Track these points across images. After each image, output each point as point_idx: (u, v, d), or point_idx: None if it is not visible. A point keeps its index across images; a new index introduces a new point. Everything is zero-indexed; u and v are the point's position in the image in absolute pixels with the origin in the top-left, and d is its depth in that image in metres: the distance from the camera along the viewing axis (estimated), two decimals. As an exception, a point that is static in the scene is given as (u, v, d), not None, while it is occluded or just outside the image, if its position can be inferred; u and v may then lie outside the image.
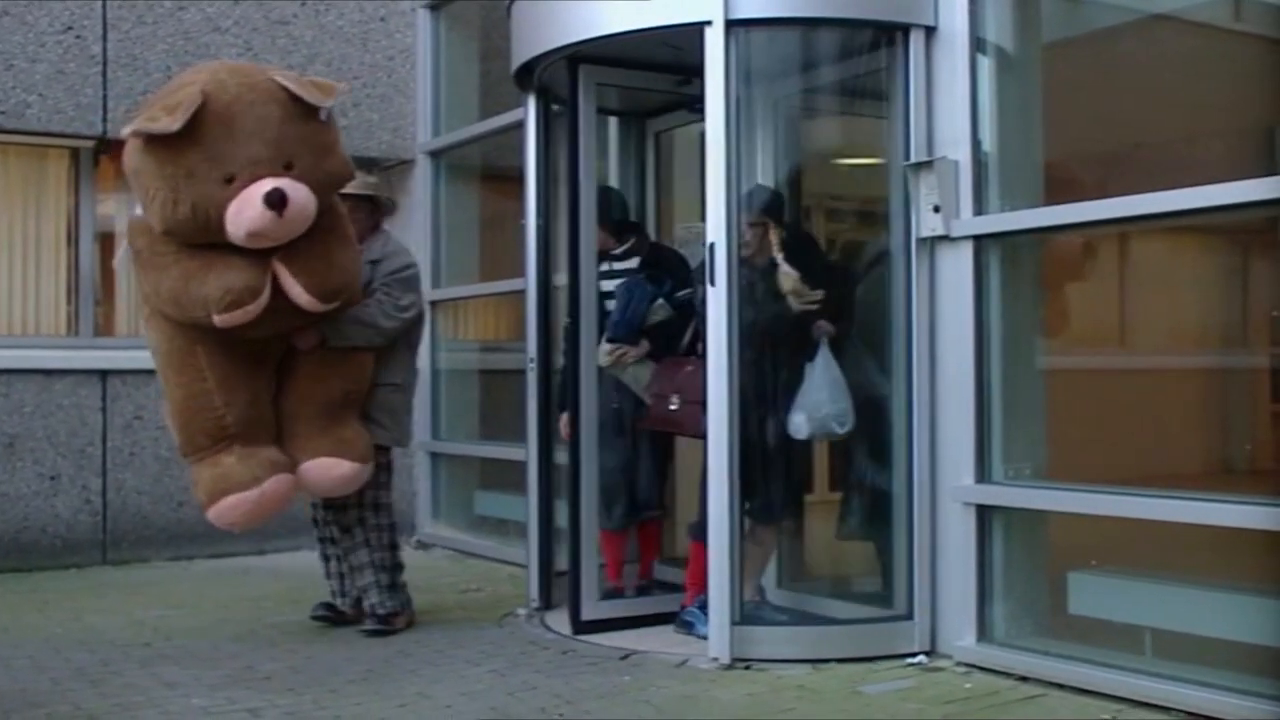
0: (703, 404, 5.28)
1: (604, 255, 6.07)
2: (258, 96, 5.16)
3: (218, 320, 5.12)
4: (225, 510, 5.35)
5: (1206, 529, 4.42)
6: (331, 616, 5.99)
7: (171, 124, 4.98)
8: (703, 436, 5.30)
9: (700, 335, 5.46)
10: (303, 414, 5.55)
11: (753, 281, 5.43)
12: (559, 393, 6.24)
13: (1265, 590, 4.32)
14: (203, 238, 5.14)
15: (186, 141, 5.03)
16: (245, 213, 5.05)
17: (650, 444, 6.13)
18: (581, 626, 5.74)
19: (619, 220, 6.24)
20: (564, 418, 6.10)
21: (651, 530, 6.40)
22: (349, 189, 5.69)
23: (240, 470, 5.34)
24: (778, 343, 5.51)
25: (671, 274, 6.05)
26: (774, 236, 5.48)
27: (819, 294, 5.42)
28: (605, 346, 5.90)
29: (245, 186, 5.05)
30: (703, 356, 5.33)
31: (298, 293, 5.21)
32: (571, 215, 5.84)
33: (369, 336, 5.68)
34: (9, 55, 7.64)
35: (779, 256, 5.45)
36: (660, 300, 5.97)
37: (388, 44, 8.84)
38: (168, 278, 5.21)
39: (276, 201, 5.04)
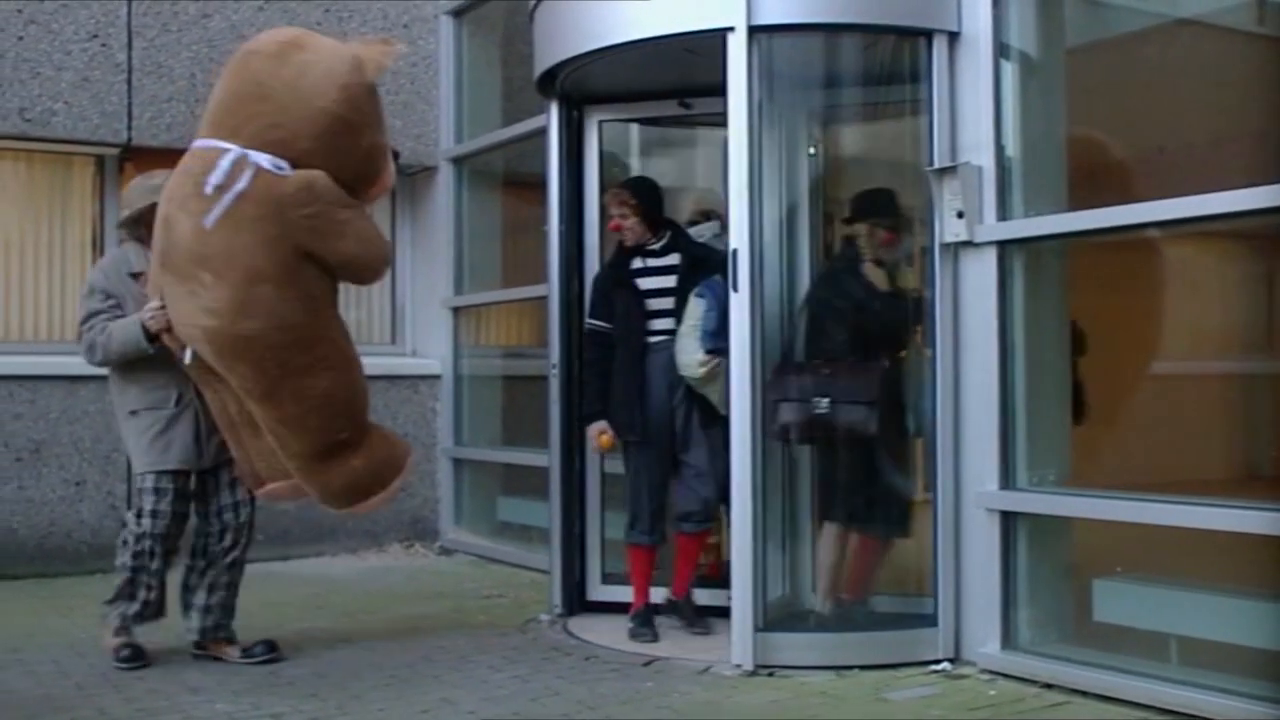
0: (866, 403, 5.30)
1: (637, 251, 5.91)
2: None
3: (384, 273, 5.33)
4: (411, 466, 5.46)
5: (1231, 535, 4.39)
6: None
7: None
8: (863, 438, 5.36)
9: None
10: None
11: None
12: (591, 402, 5.96)
13: (1293, 597, 4.30)
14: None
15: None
16: (390, 169, 5.29)
17: (709, 452, 5.67)
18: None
19: (659, 213, 5.93)
20: (598, 428, 5.86)
21: (694, 545, 5.90)
22: None
23: (390, 432, 5.51)
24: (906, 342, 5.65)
25: (720, 271, 5.64)
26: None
27: None
28: (700, 357, 5.55)
29: None
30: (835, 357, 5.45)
31: None
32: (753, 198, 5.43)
33: None
34: (35, 63, 7.69)
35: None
36: None
37: (410, 51, 8.85)
38: (365, 225, 5.14)
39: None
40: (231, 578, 5.57)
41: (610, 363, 5.86)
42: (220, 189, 4.86)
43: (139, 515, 5.35)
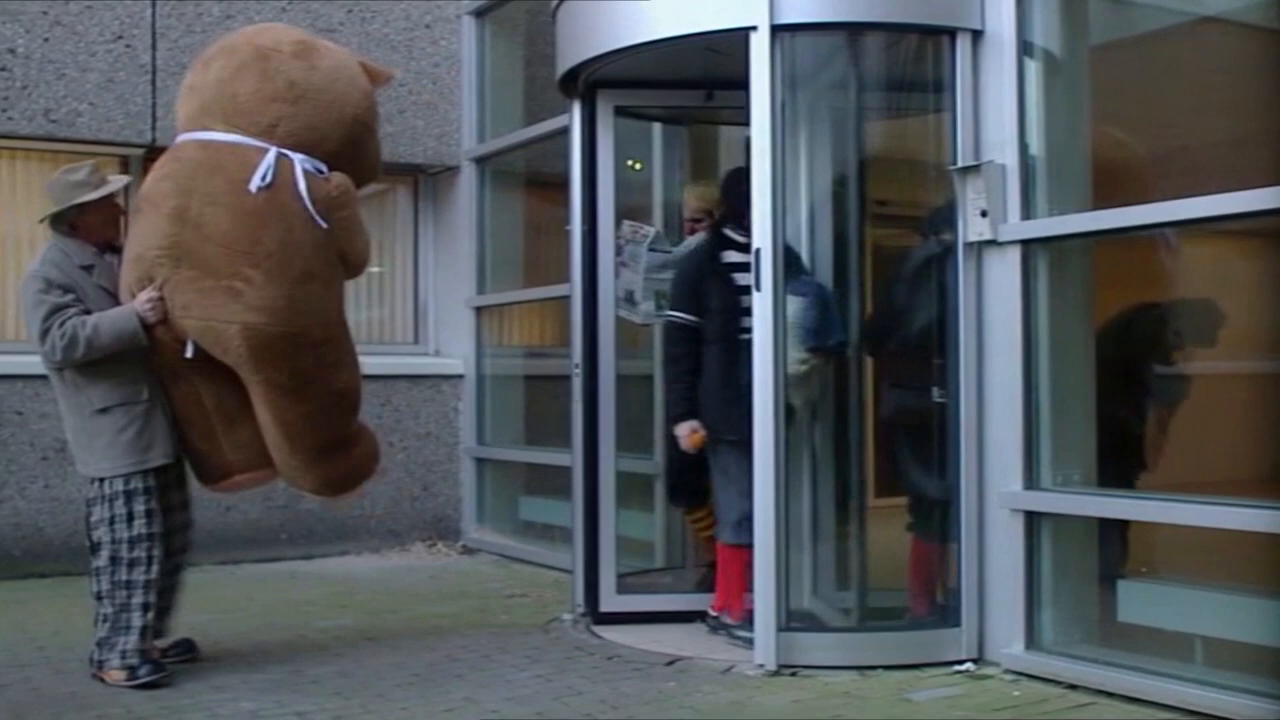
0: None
1: (728, 244, 5.72)
2: None
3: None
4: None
5: (1258, 536, 4.37)
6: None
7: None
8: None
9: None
10: None
11: None
12: (680, 400, 5.71)
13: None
14: None
15: None
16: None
17: None
18: None
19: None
20: (689, 426, 5.63)
21: (744, 554, 5.50)
22: (108, 190, 5.29)
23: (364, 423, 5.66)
24: None
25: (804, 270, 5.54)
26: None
27: None
28: (799, 355, 5.33)
29: None
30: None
31: None
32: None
33: None
34: (60, 65, 7.73)
35: None
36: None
37: (433, 51, 8.88)
38: (365, 227, 5.43)
39: None
40: (180, 579, 5.43)
41: (698, 359, 5.67)
42: (269, 189, 5.00)
43: (129, 520, 5.08)
